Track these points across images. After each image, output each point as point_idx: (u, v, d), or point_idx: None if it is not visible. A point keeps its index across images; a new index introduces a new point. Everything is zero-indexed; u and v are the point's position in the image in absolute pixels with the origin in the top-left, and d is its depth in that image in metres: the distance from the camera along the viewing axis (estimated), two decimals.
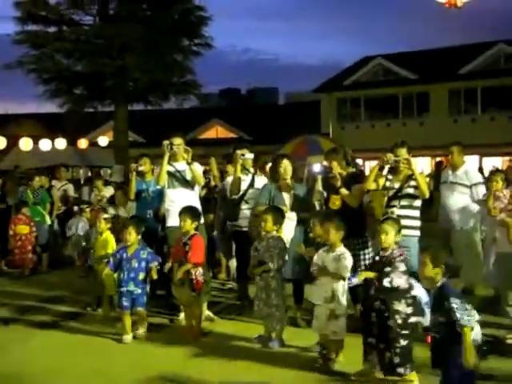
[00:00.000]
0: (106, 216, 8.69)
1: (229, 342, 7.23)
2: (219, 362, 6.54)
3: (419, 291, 5.92)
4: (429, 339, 5.07)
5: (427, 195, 7.60)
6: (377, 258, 5.92)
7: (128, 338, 7.33)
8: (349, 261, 6.27)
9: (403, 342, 5.48)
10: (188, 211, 7.47)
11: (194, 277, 7.26)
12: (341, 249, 6.35)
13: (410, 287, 5.68)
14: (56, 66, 25.33)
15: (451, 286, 4.88)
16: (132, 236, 7.44)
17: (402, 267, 5.66)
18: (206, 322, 7.87)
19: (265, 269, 6.93)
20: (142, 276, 7.38)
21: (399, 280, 5.58)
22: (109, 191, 12.68)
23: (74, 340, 7.51)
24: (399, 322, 5.51)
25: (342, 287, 6.24)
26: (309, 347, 6.72)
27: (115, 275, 7.73)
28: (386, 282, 5.56)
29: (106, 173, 25.34)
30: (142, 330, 7.43)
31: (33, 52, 25.48)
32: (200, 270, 7.32)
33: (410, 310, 5.57)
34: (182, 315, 7.87)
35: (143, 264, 7.41)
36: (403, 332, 5.50)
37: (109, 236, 8.48)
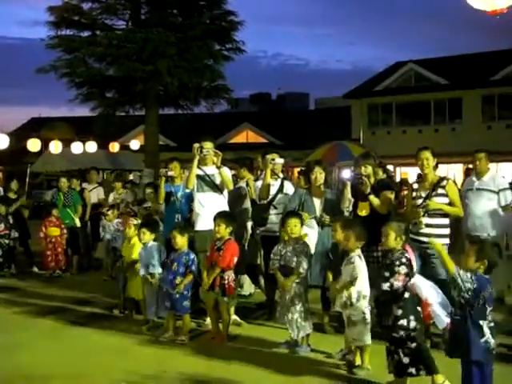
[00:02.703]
0: (135, 222, 8.71)
1: (255, 346, 7.21)
2: (245, 366, 6.52)
3: (428, 292, 5.81)
4: (448, 326, 5.12)
5: (462, 214, 7.58)
6: (387, 261, 5.84)
7: (166, 336, 7.43)
8: (356, 266, 6.23)
9: (411, 344, 5.46)
10: (223, 216, 7.48)
11: (226, 281, 7.27)
12: (353, 254, 6.33)
13: (411, 289, 5.59)
14: (88, 70, 25.53)
15: (487, 284, 4.94)
16: (177, 240, 7.49)
17: (403, 270, 5.60)
18: (233, 326, 7.86)
19: (299, 275, 6.88)
20: (179, 280, 7.40)
21: (398, 283, 5.55)
22: (128, 195, 12.75)
23: (101, 342, 7.55)
24: (400, 324, 5.50)
25: (356, 293, 6.19)
26: (333, 354, 6.68)
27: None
28: (385, 287, 5.57)
29: (136, 176, 25.51)
30: (182, 338, 7.42)
31: (66, 56, 25.72)
32: (232, 274, 7.33)
33: (409, 312, 5.54)
34: (208, 319, 7.85)
35: (182, 269, 7.44)
36: (409, 334, 5.48)
37: (137, 242, 8.52)
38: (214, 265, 7.33)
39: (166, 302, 7.57)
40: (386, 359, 5.66)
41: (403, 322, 5.51)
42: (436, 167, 7.56)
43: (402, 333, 5.49)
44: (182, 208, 8.89)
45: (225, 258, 7.27)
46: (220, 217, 7.47)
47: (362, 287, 6.23)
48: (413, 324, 5.51)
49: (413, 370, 5.44)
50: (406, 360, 5.44)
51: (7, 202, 12.84)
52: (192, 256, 7.52)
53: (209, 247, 7.59)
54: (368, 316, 6.27)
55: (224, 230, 7.37)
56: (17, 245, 12.99)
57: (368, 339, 6.24)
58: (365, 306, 6.25)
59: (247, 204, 9.23)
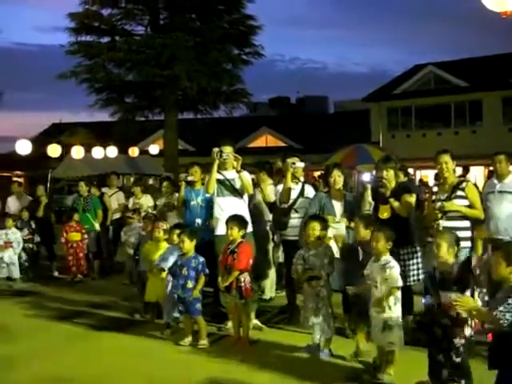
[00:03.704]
0: (164, 227, 8.72)
1: (277, 350, 7.19)
2: (267, 370, 6.50)
3: None
4: (490, 336, 4.95)
5: (482, 216, 7.49)
6: (437, 273, 5.65)
7: (185, 341, 7.44)
8: (396, 269, 6.17)
9: (456, 358, 5.37)
10: (235, 219, 7.50)
11: (242, 284, 7.28)
12: (387, 257, 6.25)
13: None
14: (108, 75, 25.72)
15: None
16: (186, 244, 7.49)
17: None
18: (255, 330, 7.85)
19: (312, 274, 6.88)
20: (190, 284, 7.41)
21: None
22: (147, 199, 12.78)
23: (122, 345, 7.59)
24: (458, 340, 5.40)
25: (393, 297, 6.14)
26: (346, 357, 6.67)
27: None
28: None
29: (155, 180, 25.60)
30: (203, 341, 7.42)
31: (85, 62, 25.92)
32: (248, 277, 7.33)
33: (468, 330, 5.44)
34: (229, 324, 7.85)
35: (192, 273, 7.44)
36: (458, 349, 5.38)
37: (163, 245, 8.53)
38: (228, 268, 7.33)
39: (179, 307, 7.57)
40: (431, 369, 5.57)
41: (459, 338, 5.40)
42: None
43: (456, 348, 5.39)
44: (202, 212, 8.91)
45: (240, 261, 7.28)
46: (232, 220, 7.50)
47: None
48: (462, 339, 5.42)
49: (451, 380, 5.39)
50: (445, 373, 5.38)
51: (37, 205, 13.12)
52: (201, 259, 7.52)
53: None
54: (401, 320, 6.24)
55: (237, 233, 7.39)
56: (42, 249, 13.12)
57: (402, 344, 6.20)
58: (400, 309, 6.22)
59: (263, 210, 9.26)
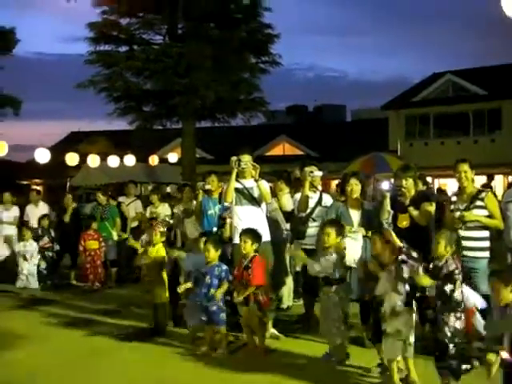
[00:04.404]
0: (162, 230, 8.76)
1: (293, 359, 7.17)
2: (283, 380, 6.47)
3: (476, 298, 5.85)
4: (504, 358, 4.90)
5: (501, 226, 7.44)
6: (430, 265, 5.80)
7: (201, 349, 7.47)
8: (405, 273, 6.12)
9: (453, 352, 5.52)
10: (249, 233, 7.51)
11: (260, 298, 7.27)
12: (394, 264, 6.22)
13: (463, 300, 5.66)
14: (126, 84, 25.81)
15: None
16: (210, 253, 7.51)
17: (460, 280, 5.64)
18: (272, 339, 7.82)
19: (324, 275, 6.90)
20: (212, 292, 7.40)
21: (458, 294, 5.59)
22: (164, 208, 12.81)
23: (136, 354, 7.60)
24: (448, 334, 5.54)
25: (401, 301, 6.08)
26: (371, 368, 6.59)
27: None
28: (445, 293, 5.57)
29: (173, 189, 25.62)
30: (220, 351, 7.43)
31: (104, 71, 26.06)
32: (266, 289, 7.30)
33: (458, 323, 5.58)
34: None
35: (215, 281, 7.44)
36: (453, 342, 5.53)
37: (161, 248, 8.59)
38: (244, 284, 7.33)
39: (202, 317, 7.56)
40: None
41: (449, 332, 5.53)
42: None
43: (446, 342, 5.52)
44: (219, 222, 8.91)
45: (255, 277, 7.28)
46: (245, 233, 7.51)
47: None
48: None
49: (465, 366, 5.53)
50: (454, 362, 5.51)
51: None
52: (224, 267, 7.53)
53: None
54: None
55: (250, 247, 7.39)
56: (67, 257, 13.23)
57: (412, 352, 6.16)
58: (413, 303, 6.17)
59: (280, 218, 9.25)
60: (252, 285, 7.25)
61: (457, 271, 5.61)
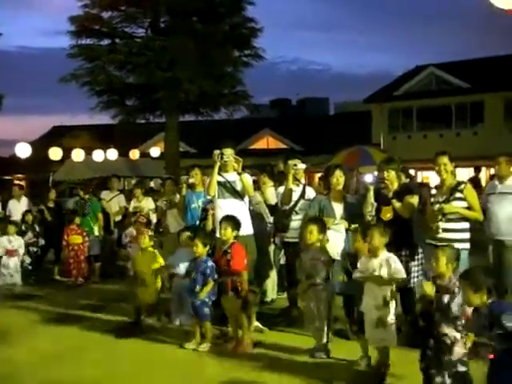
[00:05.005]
0: (150, 233, 8.75)
1: (278, 352, 7.17)
2: (267, 373, 6.49)
3: None
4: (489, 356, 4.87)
5: (481, 218, 7.48)
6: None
7: (190, 344, 7.46)
8: (398, 262, 6.23)
9: (461, 367, 5.25)
10: (229, 220, 7.52)
11: (237, 284, 7.27)
12: (385, 253, 6.28)
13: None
14: (108, 78, 25.73)
15: (502, 305, 4.55)
16: (199, 248, 7.50)
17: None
18: (256, 332, 7.83)
19: (311, 282, 6.91)
20: (197, 288, 7.39)
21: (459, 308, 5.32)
22: (148, 202, 12.79)
23: (122, 349, 7.57)
24: (449, 346, 5.28)
25: (391, 293, 6.13)
26: (356, 360, 6.62)
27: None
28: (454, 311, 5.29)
29: (156, 183, 25.57)
30: (204, 345, 7.43)
31: (86, 65, 25.94)
32: (244, 276, 7.31)
33: (458, 335, 5.32)
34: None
35: (200, 277, 7.43)
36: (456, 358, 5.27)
37: (152, 251, 8.60)
38: (224, 269, 7.35)
39: (190, 311, 7.61)
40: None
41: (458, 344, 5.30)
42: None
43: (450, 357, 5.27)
44: (202, 213, 8.91)
45: (237, 261, 7.29)
46: (226, 220, 7.52)
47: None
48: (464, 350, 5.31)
49: None
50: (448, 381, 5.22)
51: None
52: (210, 263, 7.50)
53: None
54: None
55: (230, 233, 7.41)
56: (51, 252, 13.17)
57: (395, 341, 6.20)
58: (394, 307, 6.20)
59: (264, 212, 9.24)
60: (231, 269, 7.26)
61: (456, 290, 5.33)
